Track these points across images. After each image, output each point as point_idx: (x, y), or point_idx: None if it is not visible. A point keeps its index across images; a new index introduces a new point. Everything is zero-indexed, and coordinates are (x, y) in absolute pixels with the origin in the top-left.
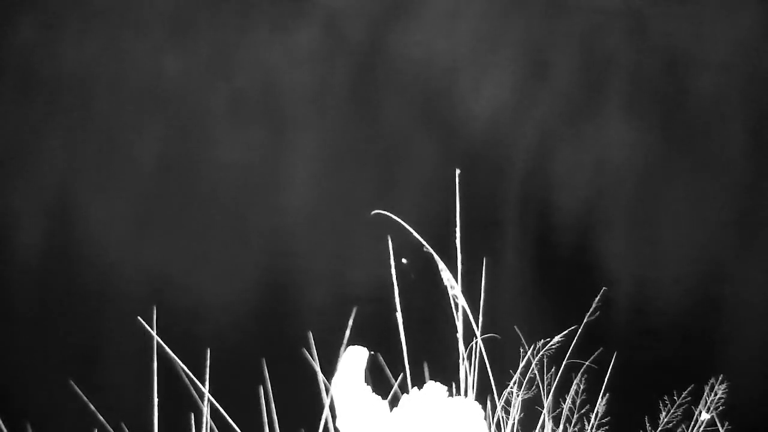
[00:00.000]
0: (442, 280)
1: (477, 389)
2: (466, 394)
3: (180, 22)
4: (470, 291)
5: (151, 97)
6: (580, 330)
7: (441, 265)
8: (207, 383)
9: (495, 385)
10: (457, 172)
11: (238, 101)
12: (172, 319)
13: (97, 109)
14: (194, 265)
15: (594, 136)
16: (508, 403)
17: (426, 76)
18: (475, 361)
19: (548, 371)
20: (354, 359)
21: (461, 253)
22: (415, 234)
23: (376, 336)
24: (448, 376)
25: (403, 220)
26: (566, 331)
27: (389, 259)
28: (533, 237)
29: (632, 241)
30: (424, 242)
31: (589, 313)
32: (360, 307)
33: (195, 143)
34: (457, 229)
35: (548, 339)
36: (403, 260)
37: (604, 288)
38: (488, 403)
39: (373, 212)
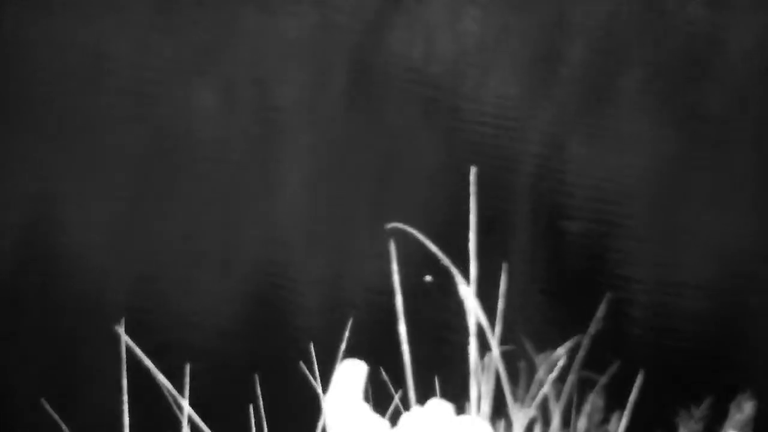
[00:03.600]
0: (455, 290)
1: (489, 407)
2: (477, 411)
3: (163, 7)
4: (482, 298)
5: (130, 91)
6: (586, 340)
7: (459, 280)
8: (186, 399)
9: (510, 402)
10: (473, 170)
11: (226, 95)
12: (154, 330)
13: (70, 102)
14: (178, 273)
15: (610, 132)
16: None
17: (430, 67)
18: (489, 375)
19: (560, 384)
20: (350, 374)
21: (475, 258)
22: (432, 246)
23: (378, 348)
24: (457, 392)
25: (411, 226)
26: (571, 343)
27: (392, 264)
28: (546, 239)
29: (652, 243)
30: (441, 255)
31: (594, 322)
32: (358, 315)
33: (178, 141)
34: (471, 233)
35: (554, 350)
36: (428, 278)
37: (608, 294)
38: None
39: (389, 225)
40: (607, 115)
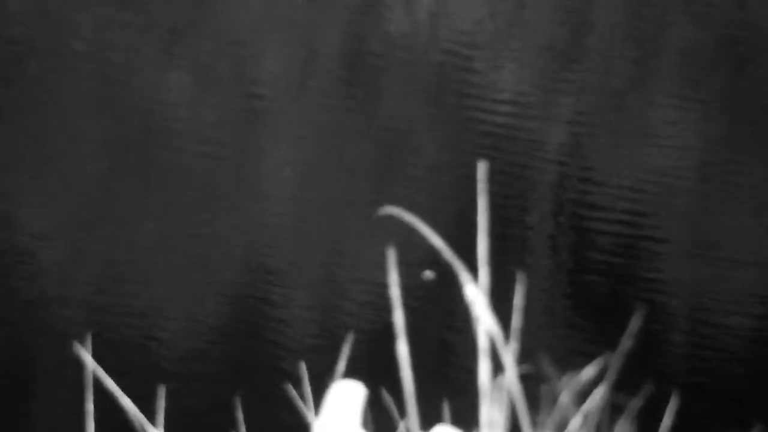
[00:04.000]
0: (462, 297)
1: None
2: None
3: None
4: (496, 311)
5: (96, 73)
6: (617, 359)
7: (464, 276)
8: (160, 428)
9: (527, 430)
10: (481, 165)
11: (203, 76)
12: (120, 348)
13: (28, 86)
14: (148, 282)
15: (641, 125)
16: None
17: (436, 47)
18: (502, 399)
19: (586, 409)
20: (346, 397)
21: (486, 265)
22: (431, 237)
23: (379, 367)
24: (467, 417)
25: (415, 220)
26: (599, 362)
27: (392, 270)
28: (567, 244)
29: (688, 249)
30: (442, 247)
31: (625, 338)
32: (357, 331)
33: (149, 130)
34: (481, 236)
35: (579, 370)
36: (427, 273)
37: (640, 308)
38: None
39: (381, 211)
40: (634, 105)
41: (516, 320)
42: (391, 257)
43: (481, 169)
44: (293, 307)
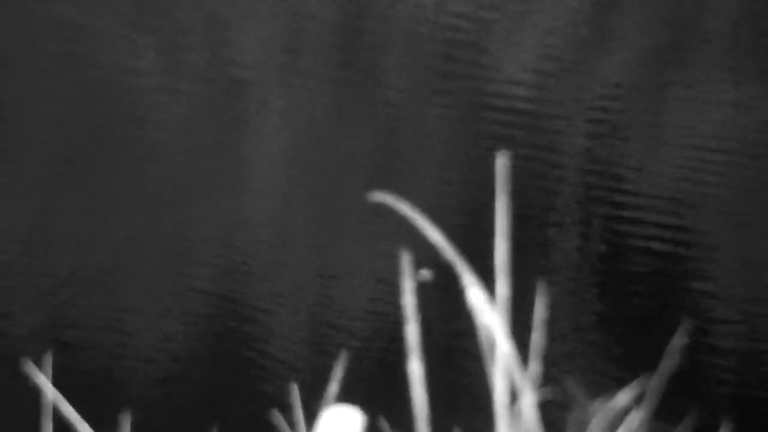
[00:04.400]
0: (467, 304)
1: None
2: None
3: None
4: (514, 324)
5: (58, 52)
6: (657, 381)
7: (468, 279)
8: None
9: None
10: (501, 156)
11: (175, 56)
12: (80, 369)
13: None
14: (111, 293)
15: (682, 106)
16: None
17: (445, 21)
18: (519, 428)
19: None
20: (340, 424)
21: (505, 273)
22: (430, 231)
23: (378, 390)
24: None
25: (411, 209)
26: (636, 385)
27: (407, 276)
28: (597, 251)
29: (736, 255)
30: (442, 244)
31: (667, 359)
32: (353, 349)
33: (116, 117)
34: (500, 239)
35: (613, 395)
36: (423, 272)
37: (684, 321)
38: None
39: (373, 196)
40: (673, 89)
41: (537, 337)
42: (405, 261)
43: (501, 161)
44: (279, 322)
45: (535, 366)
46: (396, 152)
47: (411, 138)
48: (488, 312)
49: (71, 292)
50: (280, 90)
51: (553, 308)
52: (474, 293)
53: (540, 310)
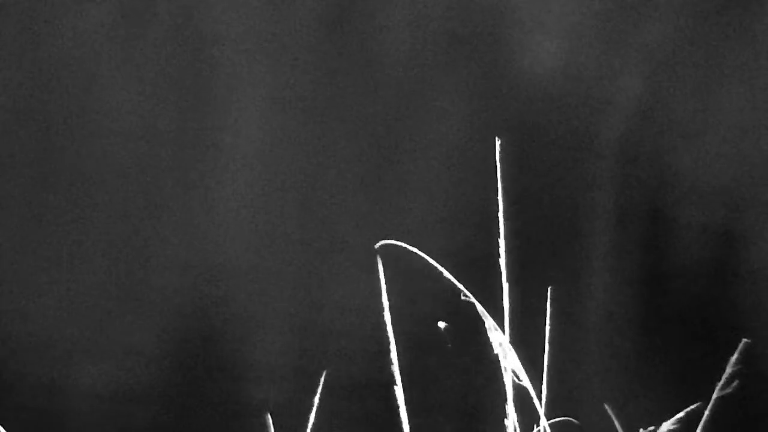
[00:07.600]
0: (484, 334)
1: None
2: None
3: None
4: (525, 339)
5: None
6: (708, 410)
7: (488, 322)
8: None
9: None
10: (498, 142)
11: (142, 40)
12: (35, 397)
13: None
14: (66, 315)
15: (723, 96)
16: None
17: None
18: None
19: None
20: None
21: (507, 281)
22: (445, 273)
23: (371, 418)
24: None
25: (418, 248)
26: (684, 414)
27: (383, 295)
28: (629, 253)
29: None
30: (461, 288)
31: (721, 384)
32: (335, 368)
33: (76, 109)
34: (501, 242)
35: (653, 428)
36: (441, 324)
37: (744, 341)
38: None
39: (379, 244)
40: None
41: (548, 352)
42: (380, 272)
43: (498, 147)
44: (256, 343)
45: (545, 391)
46: (395, 145)
47: (413, 130)
48: (507, 349)
49: (22, 306)
50: (260, 73)
51: (583, 324)
52: (494, 332)
53: (552, 324)
